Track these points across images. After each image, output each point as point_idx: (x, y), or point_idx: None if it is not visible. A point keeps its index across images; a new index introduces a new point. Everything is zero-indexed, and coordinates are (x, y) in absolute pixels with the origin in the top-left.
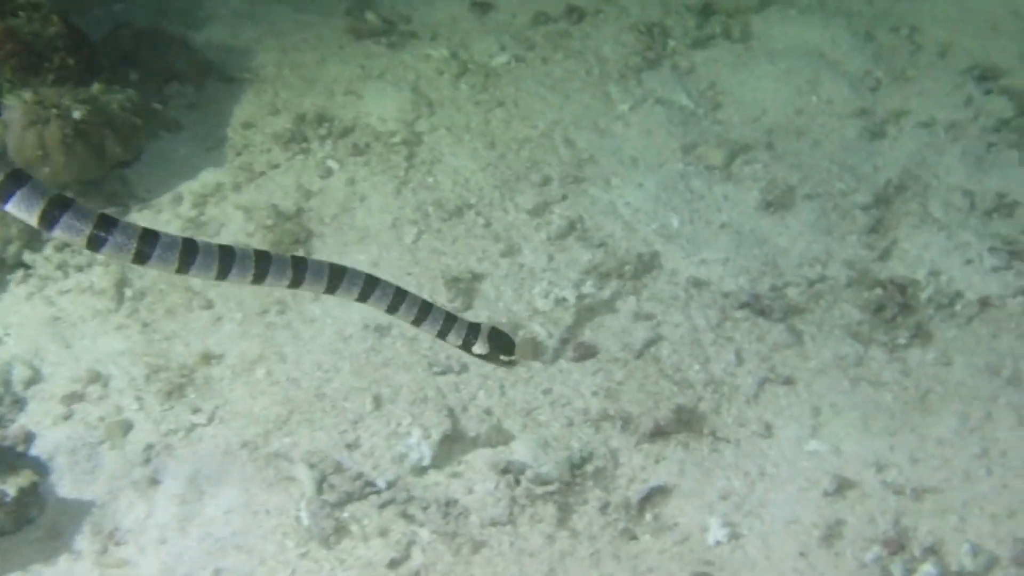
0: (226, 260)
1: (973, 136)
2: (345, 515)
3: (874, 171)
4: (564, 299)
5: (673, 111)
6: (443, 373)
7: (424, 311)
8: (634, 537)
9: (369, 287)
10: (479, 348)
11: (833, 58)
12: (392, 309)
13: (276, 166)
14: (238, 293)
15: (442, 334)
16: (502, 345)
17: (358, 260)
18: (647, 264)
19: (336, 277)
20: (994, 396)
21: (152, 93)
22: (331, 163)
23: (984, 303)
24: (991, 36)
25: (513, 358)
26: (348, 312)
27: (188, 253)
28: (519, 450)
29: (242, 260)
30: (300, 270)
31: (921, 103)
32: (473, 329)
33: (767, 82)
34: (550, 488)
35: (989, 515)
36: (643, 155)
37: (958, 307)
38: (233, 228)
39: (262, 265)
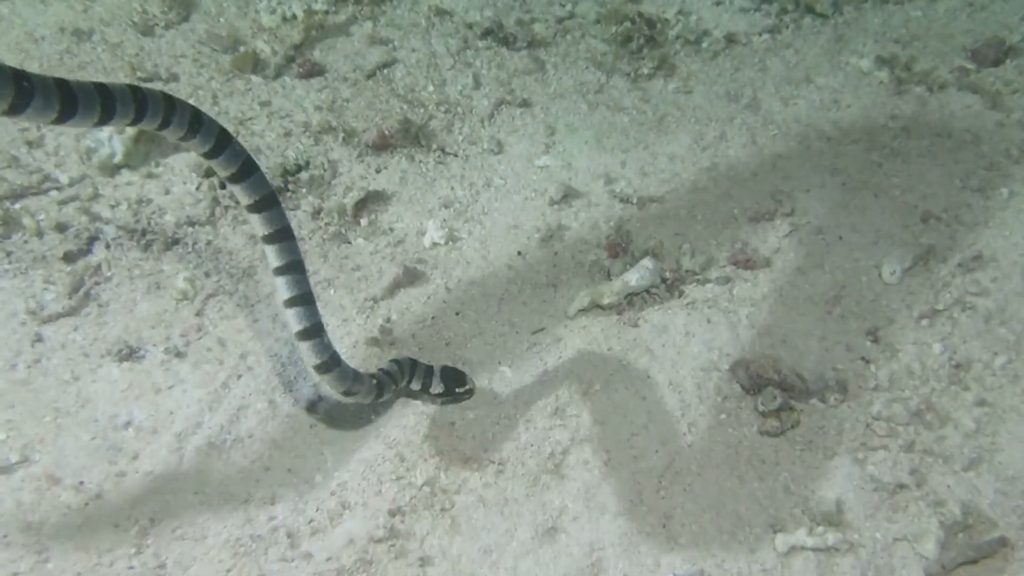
0: None
1: None
2: (17, 207)
3: None
4: (293, 16)
5: None
6: (149, 80)
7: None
8: (347, 241)
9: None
10: (436, 388)
11: None
12: None
13: None
14: None
15: (408, 382)
16: (455, 379)
17: None
18: None
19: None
20: (731, 118)
21: None
22: None
23: (730, 40)
24: None
25: (469, 387)
26: (42, 14)
27: None
28: None
29: None
30: None
31: None
32: (428, 372)
33: None
34: None
35: (710, 221)
36: None
37: (704, 44)
38: None
39: None
